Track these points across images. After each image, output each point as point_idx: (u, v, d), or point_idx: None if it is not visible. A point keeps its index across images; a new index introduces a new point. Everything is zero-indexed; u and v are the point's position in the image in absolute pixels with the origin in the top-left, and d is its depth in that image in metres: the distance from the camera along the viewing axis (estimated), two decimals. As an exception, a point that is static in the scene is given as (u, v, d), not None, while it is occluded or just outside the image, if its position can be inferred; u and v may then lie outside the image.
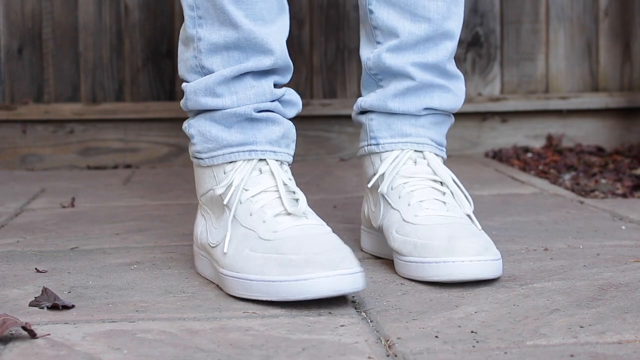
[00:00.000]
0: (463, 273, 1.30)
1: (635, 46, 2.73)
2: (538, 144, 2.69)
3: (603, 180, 2.26)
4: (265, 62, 1.38)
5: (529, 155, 2.62)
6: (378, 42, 1.51)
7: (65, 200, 2.03)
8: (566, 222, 1.76)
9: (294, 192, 1.35)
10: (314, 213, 1.34)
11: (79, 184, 2.28)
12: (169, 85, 2.62)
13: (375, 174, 1.50)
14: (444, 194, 1.45)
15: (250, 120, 1.39)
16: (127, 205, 2.00)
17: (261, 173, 1.36)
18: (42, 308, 1.23)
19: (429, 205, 1.42)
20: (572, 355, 1.03)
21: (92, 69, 2.60)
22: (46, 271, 1.43)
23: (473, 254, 1.31)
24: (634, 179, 2.27)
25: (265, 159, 1.37)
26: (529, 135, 2.70)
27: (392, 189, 1.47)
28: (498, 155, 2.63)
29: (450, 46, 1.50)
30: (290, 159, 1.42)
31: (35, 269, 1.44)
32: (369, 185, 1.51)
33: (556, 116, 2.70)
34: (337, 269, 1.21)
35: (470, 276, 1.30)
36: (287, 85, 1.45)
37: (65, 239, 1.66)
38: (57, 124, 2.58)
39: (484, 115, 2.68)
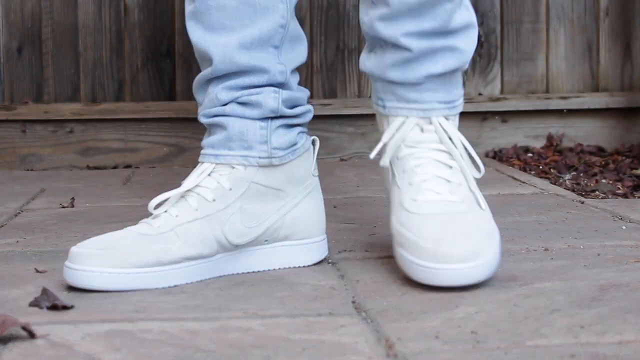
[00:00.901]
0: (446, 281, 1.30)
1: (635, 46, 2.73)
2: (538, 144, 2.69)
3: (603, 180, 2.26)
4: (208, 70, 1.46)
5: (529, 155, 2.62)
6: (372, 2, 1.45)
7: (65, 200, 2.03)
8: (566, 222, 1.76)
9: (197, 194, 1.42)
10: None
11: (78, 184, 2.28)
12: (168, 85, 2.62)
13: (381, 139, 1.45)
14: (451, 167, 1.41)
15: (204, 125, 1.49)
16: (127, 205, 1.99)
17: (199, 175, 1.44)
18: (42, 308, 1.22)
19: (430, 185, 1.39)
20: (572, 356, 1.03)
21: (92, 69, 2.60)
22: (46, 271, 1.43)
23: (456, 261, 1.29)
24: (634, 179, 2.26)
25: (204, 162, 1.46)
26: (529, 135, 2.70)
27: (397, 159, 1.43)
28: (498, 155, 2.63)
29: (449, 7, 1.40)
30: (244, 161, 1.44)
31: (35, 269, 1.44)
32: (372, 155, 1.47)
33: (556, 116, 2.70)
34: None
35: (453, 283, 1.30)
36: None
37: (65, 239, 1.66)
38: (56, 123, 2.58)
39: (484, 115, 2.68)
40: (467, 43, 1.44)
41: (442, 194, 1.38)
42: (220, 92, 1.45)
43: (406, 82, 1.44)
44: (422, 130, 1.43)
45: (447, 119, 1.44)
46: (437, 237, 1.32)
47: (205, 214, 1.40)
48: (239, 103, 1.45)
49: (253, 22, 1.44)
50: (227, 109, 1.45)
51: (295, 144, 1.48)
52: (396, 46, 1.43)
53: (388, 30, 1.42)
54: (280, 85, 1.47)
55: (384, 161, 1.44)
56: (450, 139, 1.43)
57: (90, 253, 1.32)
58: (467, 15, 1.43)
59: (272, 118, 1.46)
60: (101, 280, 1.31)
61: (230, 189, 1.42)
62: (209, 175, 1.43)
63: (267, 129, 1.45)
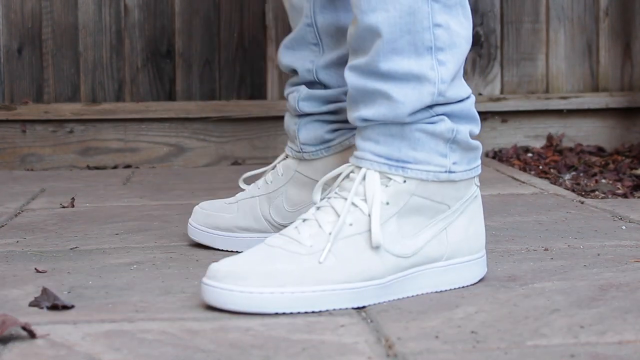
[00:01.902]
0: (207, 298, 1.22)
1: (635, 46, 2.73)
2: (538, 144, 2.69)
3: (603, 180, 2.26)
4: None
5: (529, 155, 2.62)
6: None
7: (65, 200, 2.03)
8: (566, 222, 1.76)
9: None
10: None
11: (78, 184, 2.28)
12: (168, 85, 2.62)
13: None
14: (338, 216, 1.26)
15: None
16: (127, 205, 1.99)
17: (279, 159, 1.60)
18: (42, 308, 1.22)
19: (296, 224, 1.28)
20: (572, 356, 1.03)
21: (92, 69, 2.60)
22: (46, 271, 1.43)
23: (215, 279, 1.21)
24: (634, 179, 2.26)
25: None
26: (529, 135, 2.70)
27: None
28: (498, 155, 2.63)
29: (378, 42, 1.26)
30: (289, 152, 1.55)
31: (35, 269, 1.44)
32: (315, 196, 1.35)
33: (556, 116, 2.70)
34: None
35: (209, 301, 1.22)
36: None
37: (65, 239, 1.66)
38: (56, 123, 2.58)
39: (484, 115, 2.68)
40: (407, 95, 1.26)
41: (301, 234, 1.26)
42: (285, 89, 1.58)
43: (352, 123, 1.33)
44: (348, 176, 1.30)
45: (388, 177, 1.28)
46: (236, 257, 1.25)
47: (262, 193, 1.56)
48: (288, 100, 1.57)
49: (298, 24, 1.53)
50: (287, 105, 1.57)
51: (328, 141, 1.52)
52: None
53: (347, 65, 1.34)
54: (310, 84, 1.53)
55: (315, 197, 1.32)
56: (364, 196, 1.27)
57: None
58: (415, 65, 1.26)
59: (302, 115, 1.53)
60: (191, 231, 1.60)
61: (282, 175, 1.55)
62: (283, 159, 1.58)
63: (297, 124, 1.54)
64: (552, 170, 2.43)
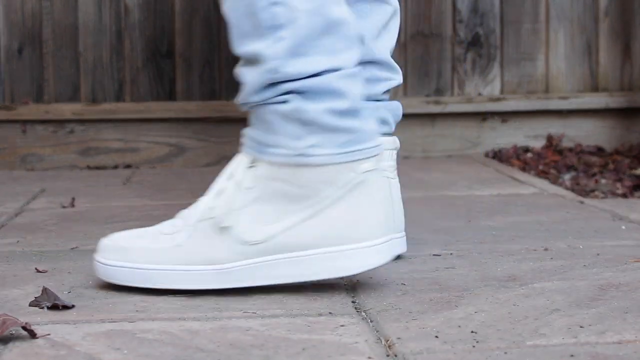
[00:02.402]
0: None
1: (635, 46, 2.73)
2: (538, 144, 2.69)
3: (603, 180, 2.26)
4: None
5: (529, 155, 2.62)
6: None
7: (65, 200, 2.03)
8: (566, 222, 1.76)
9: None
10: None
11: (79, 184, 2.28)
12: (169, 85, 2.62)
13: None
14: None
15: None
16: (127, 205, 1.99)
17: None
18: (42, 308, 1.22)
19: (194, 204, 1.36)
20: (572, 356, 1.03)
21: (92, 69, 2.60)
22: (46, 271, 1.43)
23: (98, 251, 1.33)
24: (634, 179, 2.27)
25: None
26: (529, 135, 2.70)
27: None
28: (498, 155, 2.63)
29: (231, 30, 1.30)
30: None
31: (35, 269, 1.44)
32: None
33: (556, 116, 2.70)
34: None
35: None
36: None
37: (65, 239, 1.66)
38: (57, 124, 2.58)
39: (484, 115, 2.68)
40: (249, 76, 1.29)
41: (183, 213, 1.36)
42: None
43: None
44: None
45: (256, 161, 1.28)
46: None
47: None
48: None
49: None
50: None
51: None
52: None
53: None
54: None
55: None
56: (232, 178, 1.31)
57: None
58: (257, 46, 1.27)
59: None
60: None
61: None
62: None
63: None
64: (552, 170, 2.43)
